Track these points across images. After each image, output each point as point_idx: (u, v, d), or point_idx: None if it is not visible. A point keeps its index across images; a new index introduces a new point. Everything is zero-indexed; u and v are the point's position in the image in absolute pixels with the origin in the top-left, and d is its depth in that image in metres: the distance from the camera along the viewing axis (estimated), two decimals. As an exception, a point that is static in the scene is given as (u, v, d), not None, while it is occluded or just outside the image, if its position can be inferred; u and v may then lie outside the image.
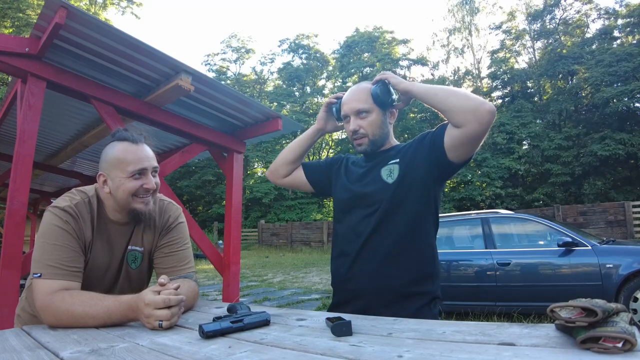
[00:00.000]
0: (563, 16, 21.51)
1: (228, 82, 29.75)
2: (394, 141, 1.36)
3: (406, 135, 23.22)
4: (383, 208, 1.20)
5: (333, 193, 1.42)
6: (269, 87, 31.76)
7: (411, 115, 24.28)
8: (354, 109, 1.27)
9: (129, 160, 1.18)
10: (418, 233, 1.20)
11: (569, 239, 4.23)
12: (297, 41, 30.69)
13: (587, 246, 4.16)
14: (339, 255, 1.30)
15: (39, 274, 1.07)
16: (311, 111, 28.30)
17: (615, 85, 16.55)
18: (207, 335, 0.83)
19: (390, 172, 1.23)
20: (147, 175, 1.21)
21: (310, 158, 30.37)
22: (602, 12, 20.45)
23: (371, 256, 1.20)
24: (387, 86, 1.26)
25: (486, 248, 4.67)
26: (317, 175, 1.48)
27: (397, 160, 1.24)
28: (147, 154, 1.22)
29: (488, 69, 24.15)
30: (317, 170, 1.49)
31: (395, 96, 1.29)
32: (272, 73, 32.25)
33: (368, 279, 1.20)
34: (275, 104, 28.04)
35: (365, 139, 1.28)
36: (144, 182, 1.19)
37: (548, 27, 21.56)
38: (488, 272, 4.49)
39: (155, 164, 1.25)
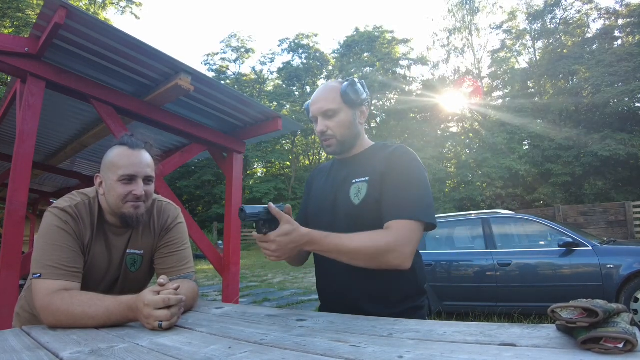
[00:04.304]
0: (564, 16, 21.52)
1: (228, 82, 29.77)
2: (367, 142, 1.29)
3: (406, 136, 23.22)
4: (344, 228, 1.14)
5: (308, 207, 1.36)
6: (269, 87, 31.78)
7: (411, 115, 24.28)
8: (321, 109, 1.21)
9: (121, 164, 1.18)
10: None
11: (570, 240, 4.23)
12: (297, 41, 30.72)
13: (588, 246, 4.15)
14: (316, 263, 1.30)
15: (38, 274, 1.06)
16: (311, 111, 28.25)
17: (616, 86, 16.53)
18: (248, 214, 0.96)
19: (358, 192, 1.17)
20: (138, 182, 1.19)
21: (311, 159, 30.41)
22: (603, 12, 20.46)
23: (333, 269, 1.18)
24: (356, 85, 1.21)
25: (487, 248, 4.67)
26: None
27: (367, 178, 1.17)
28: (141, 160, 1.21)
29: (489, 68, 24.20)
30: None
31: (365, 95, 1.23)
32: (272, 73, 32.30)
33: (337, 288, 1.20)
34: (275, 103, 28.06)
35: (334, 140, 1.22)
36: (133, 189, 1.18)
37: (549, 27, 21.56)
38: (488, 273, 4.49)
39: (150, 173, 1.22)
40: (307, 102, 1.31)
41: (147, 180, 1.22)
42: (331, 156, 1.34)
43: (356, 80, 1.22)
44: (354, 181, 1.19)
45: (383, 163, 1.16)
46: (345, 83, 1.21)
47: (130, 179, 1.18)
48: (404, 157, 1.16)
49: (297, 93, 29.64)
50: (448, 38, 25.48)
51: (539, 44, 22.42)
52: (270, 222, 1.00)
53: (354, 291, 1.15)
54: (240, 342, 0.80)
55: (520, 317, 4.25)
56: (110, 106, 2.82)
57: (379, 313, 1.02)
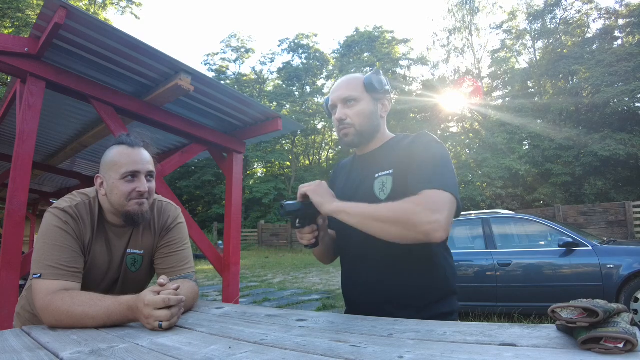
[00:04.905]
0: (564, 16, 21.52)
1: (228, 82, 29.77)
2: (387, 134, 1.23)
3: (406, 135, 23.20)
4: None
5: None
6: (269, 87, 31.80)
7: (411, 115, 24.27)
8: (342, 96, 1.17)
9: (122, 162, 1.18)
10: (410, 247, 1.03)
11: (570, 240, 4.23)
12: (296, 41, 30.74)
13: (588, 246, 4.15)
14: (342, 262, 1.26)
15: (38, 275, 1.06)
16: (311, 111, 28.36)
17: (615, 85, 16.54)
18: (287, 211, 0.99)
19: (382, 186, 1.11)
20: (141, 178, 1.20)
21: (311, 159, 30.41)
22: (603, 12, 20.46)
23: (363, 266, 1.16)
24: (380, 74, 1.17)
25: (487, 248, 4.67)
26: None
27: (391, 171, 1.10)
28: (142, 157, 1.22)
29: (489, 68, 24.22)
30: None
31: (389, 86, 1.19)
32: (272, 73, 32.33)
33: (362, 290, 1.15)
34: (275, 103, 28.07)
35: (352, 129, 1.16)
36: (136, 186, 1.19)
37: (549, 27, 21.57)
38: (488, 273, 4.49)
39: (151, 168, 1.23)
40: (326, 97, 1.27)
41: (149, 176, 1.23)
42: (332, 157, 1.32)
43: (380, 71, 1.19)
44: (377, 175, 1.13)
45: (405, 152, 1.10)
46: (370, 72, 1.18)
47: (133, 175, 1.19)
48: (425, 139, 1.11)
49: (297, 93, 29.64)
50: (448, 38, 25.52)
51: (539, 44, 22.43)
52: (307, 218, 1.02)
53: (379, 296, 1.11)
54: (240, 342, 0.79)
55: (520, 317, 4.25)
56: (110, 106, 2.82)
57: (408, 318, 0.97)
